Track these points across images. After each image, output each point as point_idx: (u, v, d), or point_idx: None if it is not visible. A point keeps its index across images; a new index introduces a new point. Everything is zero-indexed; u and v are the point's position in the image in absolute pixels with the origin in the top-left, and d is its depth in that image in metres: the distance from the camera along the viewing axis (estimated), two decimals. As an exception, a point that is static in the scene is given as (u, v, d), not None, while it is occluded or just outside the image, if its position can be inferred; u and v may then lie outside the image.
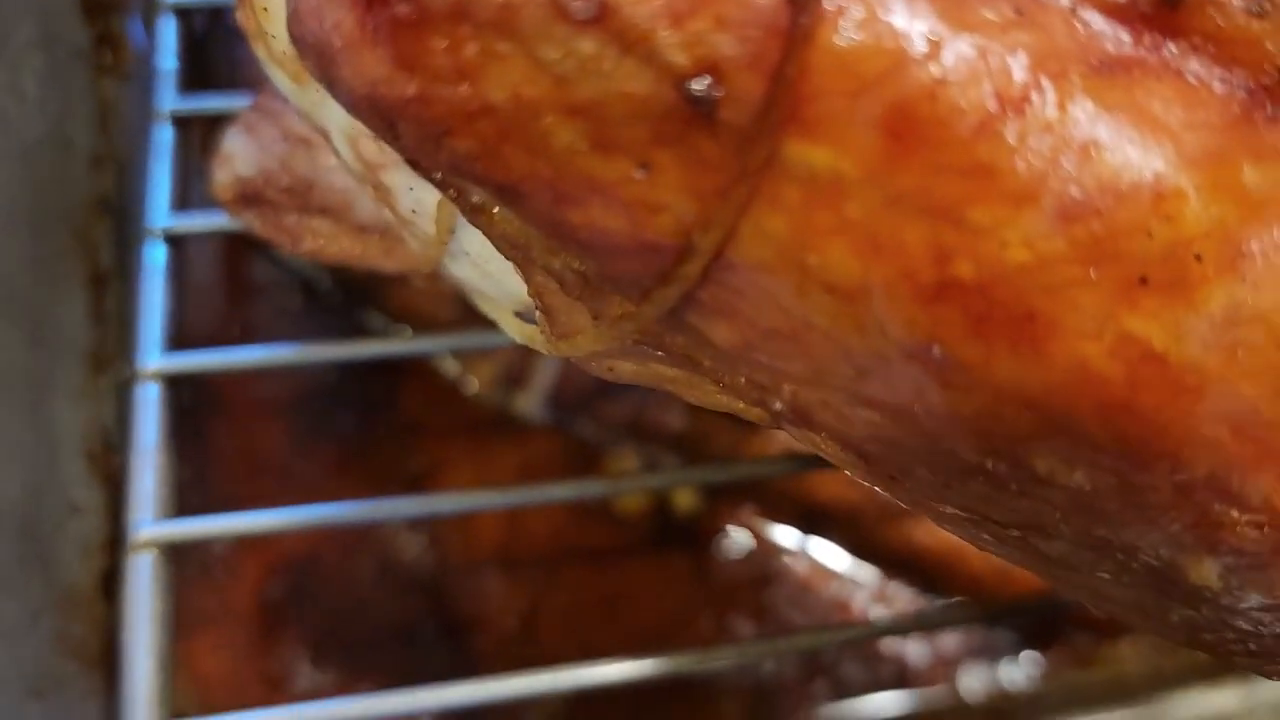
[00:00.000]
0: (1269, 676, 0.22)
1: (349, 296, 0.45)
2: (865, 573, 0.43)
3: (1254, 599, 0.18)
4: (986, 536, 0.20)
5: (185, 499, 0.33)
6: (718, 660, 0.30)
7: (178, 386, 0.33)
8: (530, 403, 0.43)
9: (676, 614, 0.42)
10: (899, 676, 0.42)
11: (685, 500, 0.43)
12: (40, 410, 0.37)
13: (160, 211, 0.36)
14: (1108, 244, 0.14)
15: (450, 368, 0.45)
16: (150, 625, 0.28)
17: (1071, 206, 0.14)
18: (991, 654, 0.43)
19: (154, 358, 0.32)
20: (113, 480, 0.40)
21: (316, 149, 0.30)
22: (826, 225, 0.15)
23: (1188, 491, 0.16)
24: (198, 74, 0.42)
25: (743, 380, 0.19)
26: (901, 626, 0.34)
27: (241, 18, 0.25)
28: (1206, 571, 0.18)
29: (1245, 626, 0.19)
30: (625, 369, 0.22)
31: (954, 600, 0.43)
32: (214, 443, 0.42)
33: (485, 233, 0.19)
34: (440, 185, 0.18)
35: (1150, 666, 0.41)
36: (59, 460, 0.37)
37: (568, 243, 0.17)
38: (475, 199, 0.17)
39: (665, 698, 0.41)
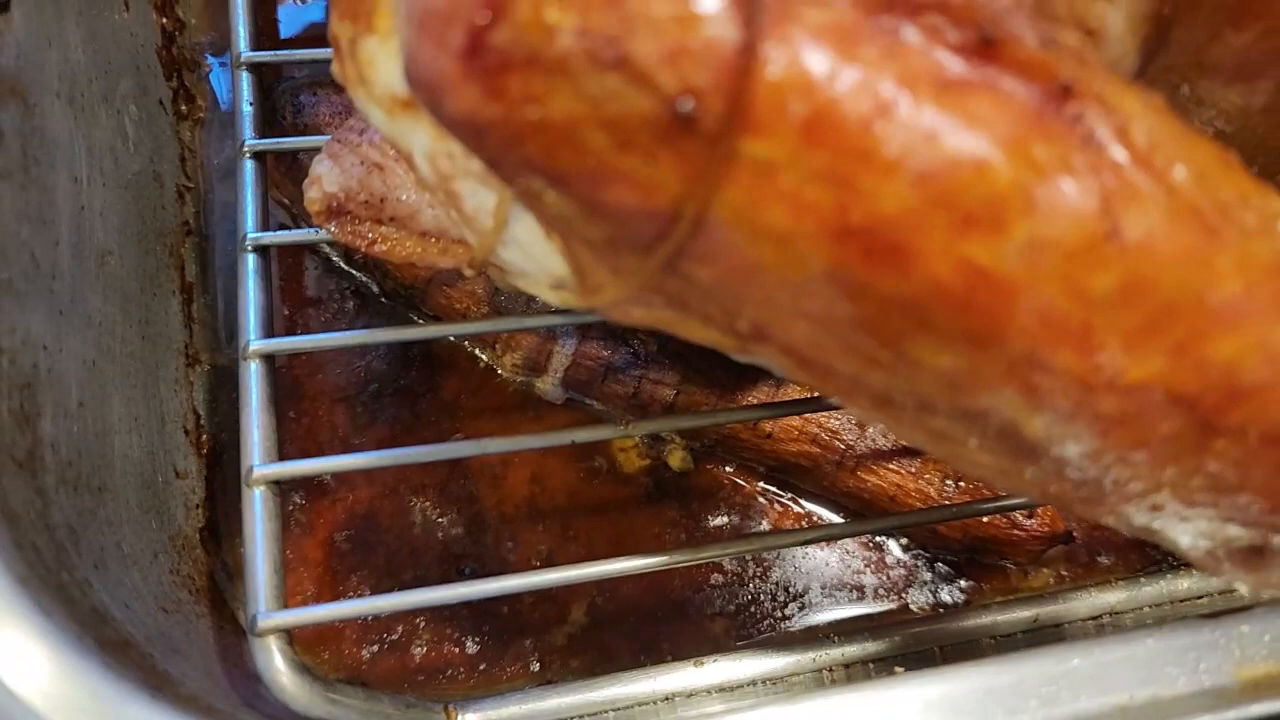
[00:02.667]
0: (1099, 519, 0.30)
1: (395, 301, 0.53)
2: (825, 514, 0.52)
3: (1072, 448, 0.26)
4: (891, 419, 0.28)
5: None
6: (678, 560, 0.38)
7: (273, 366, 0.41)
8: (549, 384, 0.52)
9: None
10: (858, 600, 0.50)
11: (677, 460, 0.52)
12: (151, 391, 0.45)
13: (251, 227, 0.44)
14: (947, 197, 0.23)
15: (482, 358, 0.53)
16: (266, 540, 0.36)
17: (922, 174, 0.23)
18: (933, 582, 0.51)
19: (255, 340, 0.41)
20: (205, 452, 0.48)
21: (388, 171, 0.38)
22: (767, 193, 0.23)
23: (1014, 366, 0.25)
24: (269, 117, 0.50)
25: (717, 311, 0.27)
26: (835, 533, 0.42)
27: (338, 71, 0.34)
28: (1036, 425, 0.26)
29: (1074, 475, 0.28)
30: (636, 313, 0.30)
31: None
32: (288, 423, 0.51)
33: (537, 214, 0.27)
34: (510, 179, 0.26)
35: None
36: (165, 432, 0.45)
37: (597, 213, 0.25)
38: (535, 187, 0.26)
39: (665, 619, 0.49)
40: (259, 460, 0.38)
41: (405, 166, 0.38)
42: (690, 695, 0.39)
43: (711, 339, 0.30)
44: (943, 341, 0.25)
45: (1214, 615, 0.32)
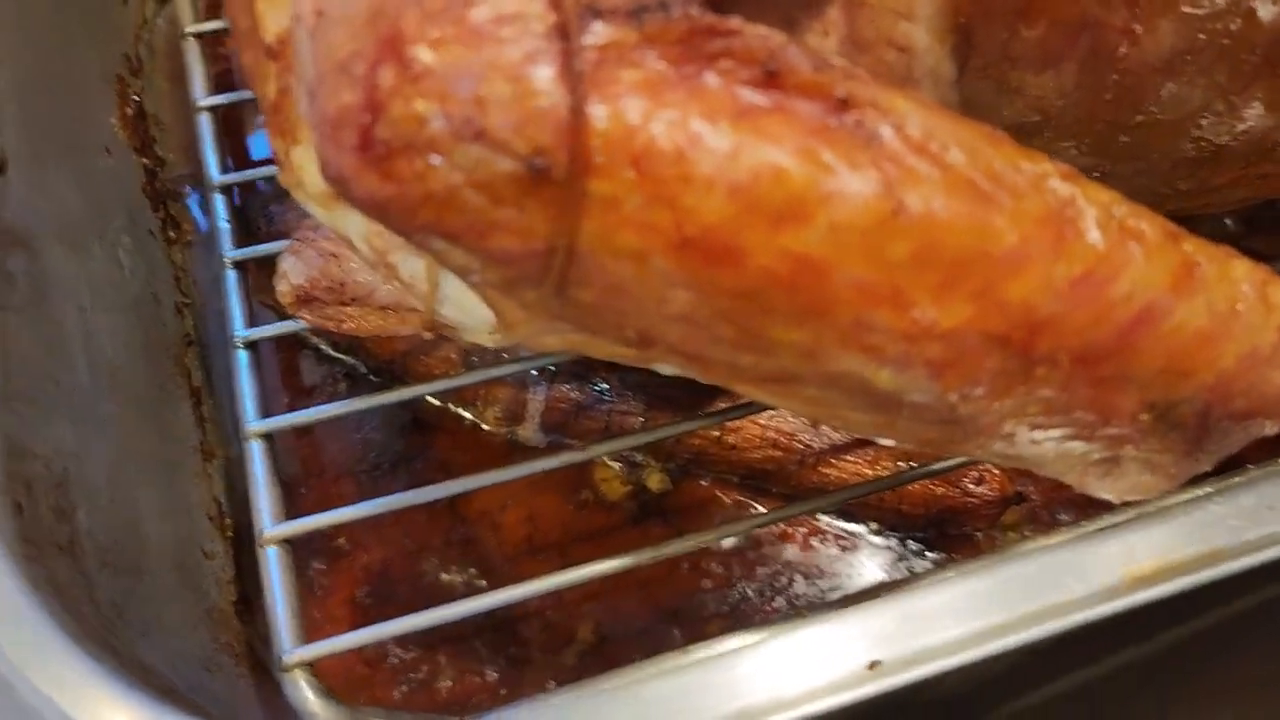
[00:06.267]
0: (972, 455, 0.34)
1: (382, 376, 0.59)
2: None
3: (919, 394, 0.31)
4: (775, 396, 0.33)
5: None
6: (655, 555, 0.43)
7: (272, 443, 0.47)
8: (530, 431, 0.57)
9: (661, 568, 0.55)
10: (839, 584, 0.55)
11: (655, 481, 0.57)
12: (174, 485, 0.51)
13: (239, 327, 0.50)
14: (757, 202, 0.28)
15: (466, 415, 0.59)
16: (283, 589, 0.42)
17: (733, 187, 0.28)
18: (906, 559, 0.55)
19: (254, 423, 0.46)
20: (229, 535, 0.54)
21: (343, 259, 0.44)
22: (616, 221, 0.29)
23: (848, 331, 0.29)
24: (246, 229, 0.56)
25: (610, 327, 0.32)
26: (776, 517, 0.47)
27: (282, 179, 0.40)
28: (883, 379, 0.31)
29: (933, 417, 0.32)
30: (551, 341, 0.35)
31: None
32: (299, 499, 0.56)
33: (451, 270, 0.33)
34: (420, 245, 0.32)
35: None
36: (192, 519, 0.51)
37: (491, 260, 0.31)
38: (439, 248, 0.31)
39: (665, 627, 0.53)
40: (269, 524, 0.44)
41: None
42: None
43: (617, 353, 0.35)
44: (786, 319, 0.30)
45: (1103, 530, 0.37)
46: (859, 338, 0.30)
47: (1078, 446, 0.33)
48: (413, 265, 0.37)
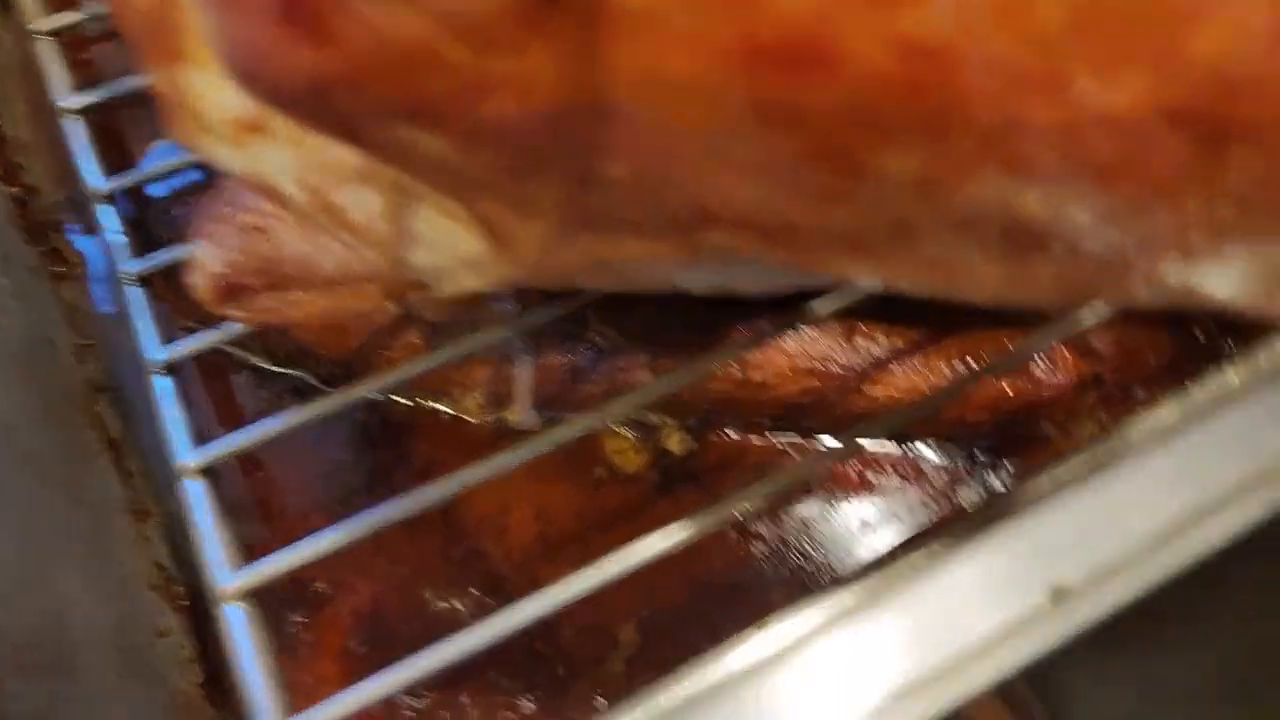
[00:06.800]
0: (1134, 295, 0.27)
1: (336, 384, 0.50)
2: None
3: (1080, 214, 0.23)
4: (877, 264, 0.25)
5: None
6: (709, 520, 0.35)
7: (213, 476, 0.38)
8: (520, 412, 0.48)
9: (703, 539, 0.46)
10: (909, 519, 0.47)
11: (675, 442, 0.48)
12: (103, 557, 0.41)
13: (153, 349, 0.40)
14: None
15: (443, 409, 0.50)
16: (255, 654, 0.33)
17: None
18: (977, 473, 0.48)
19: (186, 456, 0.37)
20: (182, 605, 0.44)
21: (269, 230, 0.35)
22: (660, 45, 0.20)
23: (988, 139, 0.22)
24: (146, 245, 0.46)
25: (650, 212, 0.24)
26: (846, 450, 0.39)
27: (174, 130, 0.31)
28: (1031, 202, 0.23)
29: (1092, 248, 0.25)
30: (564, 261, 0.27)
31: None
32: (264, 546, 0.47)
33: (420, 177, 0.24)
34: (379, 144, 0.23)
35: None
36: (133, 594, 0.41)
37: (484, 142, 0.22)
38: (407, 138, 0.22)
39: (721, 608, 0.45)
40: (225, 575, 0.35)
41: (286, 218, 0.35)
42: (767, 662, 0.35)
43: (656, 251, 0.27)
44: (901, 141, 0.22)
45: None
46: (1003, 147, 0.22)
47: (1273, 253, 0.26)
48: (366, 202, 0.29)
